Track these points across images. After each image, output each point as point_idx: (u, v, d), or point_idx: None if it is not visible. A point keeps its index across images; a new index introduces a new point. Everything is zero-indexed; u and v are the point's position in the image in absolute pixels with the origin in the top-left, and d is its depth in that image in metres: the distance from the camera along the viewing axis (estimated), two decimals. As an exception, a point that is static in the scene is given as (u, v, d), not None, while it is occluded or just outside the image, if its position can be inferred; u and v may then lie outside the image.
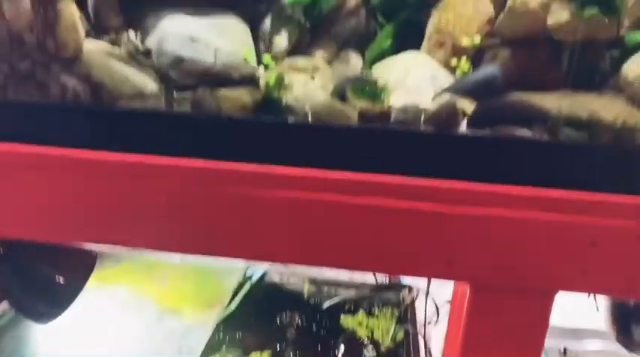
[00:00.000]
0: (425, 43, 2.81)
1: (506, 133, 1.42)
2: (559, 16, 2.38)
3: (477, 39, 2.54)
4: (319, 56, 2.74)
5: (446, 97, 2.33)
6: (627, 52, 2.40)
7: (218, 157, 1.20)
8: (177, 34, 2.52)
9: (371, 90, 2.32)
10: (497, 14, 2.46)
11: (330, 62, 2.77)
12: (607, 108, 2.19)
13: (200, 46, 2.49)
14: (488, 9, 2.75)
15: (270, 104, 2.32)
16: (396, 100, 2.23)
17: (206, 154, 1.22)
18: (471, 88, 2.53)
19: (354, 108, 2.18)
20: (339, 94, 2.33)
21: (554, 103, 2.25)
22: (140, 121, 1.48)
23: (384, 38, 2.91)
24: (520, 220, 1.00)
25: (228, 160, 1.17)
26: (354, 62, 2.79)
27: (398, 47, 3.13)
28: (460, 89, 2.52)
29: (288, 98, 2.40)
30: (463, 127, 1.77)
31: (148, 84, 2.41)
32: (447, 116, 2.11)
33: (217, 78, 2.34)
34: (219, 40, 2.54)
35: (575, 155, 1.12)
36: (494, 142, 1.22)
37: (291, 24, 2.62)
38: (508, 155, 1.18)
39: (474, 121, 2.11)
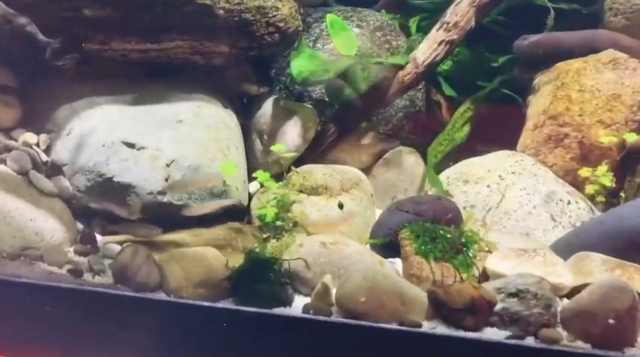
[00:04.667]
0: (525, 138, 1.79)
1: None
2: None
3: (633, 136, 1.59)
4: (356, 158, 1.77)
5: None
6: None
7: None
8: (103, 137, 1.56)
9: (449, 243, 1.40)
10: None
11: (369, 168, 1.80)
12: None
13: (142, 157, 1.52)
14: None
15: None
16: (498, 264, 1.31)
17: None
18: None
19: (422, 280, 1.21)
20: (388, 240, 1.40)
21: None
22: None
23: (457, 126, 1.96)
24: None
25: None
26: (410, 166, 1.81)
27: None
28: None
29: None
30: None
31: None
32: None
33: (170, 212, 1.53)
34: (175, 145, 1.52)
35: None
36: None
37: (306, 111, 1.67)
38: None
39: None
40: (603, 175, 1.70)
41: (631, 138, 1.62)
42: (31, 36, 1.36)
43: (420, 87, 2.14)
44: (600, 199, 1.71)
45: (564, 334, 1.19)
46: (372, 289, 1.21)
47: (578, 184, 1.77)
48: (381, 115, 2.04)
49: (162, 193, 1.45)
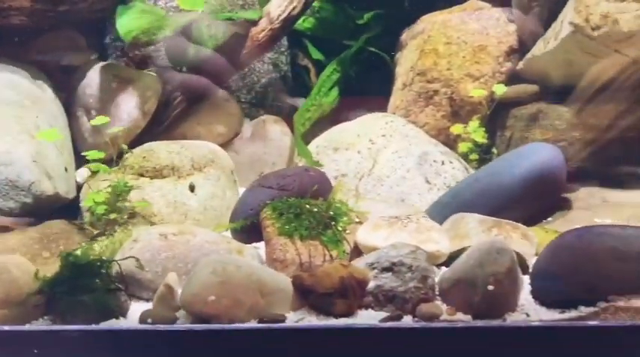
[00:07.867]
0: (395, 98, 1.72)
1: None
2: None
3: (502, 88, 1.53)
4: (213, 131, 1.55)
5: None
6: None
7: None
8: None
9: (316, 218, 1.20)
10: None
11: (230, 142, 1.61)
12: None
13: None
14: (510, 32, 1.59)
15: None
16: (369, 236, 1.16)
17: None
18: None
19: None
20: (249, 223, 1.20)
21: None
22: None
23: (324, 90, 1.76)
24: None
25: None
26: (277, 136, 1.62)
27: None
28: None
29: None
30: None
31: None
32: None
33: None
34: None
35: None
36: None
37: (144, 79, 1.42)
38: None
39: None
40: (475, 131, 1.63)
41: (500, 90, 1.56)
42: None
43: (283, 50, 1.95)
44: (474, 156, 1.64)
45: (444, 307, 1.08)
46: (223, 284, 1.01)
47: (450, 143, 1.68)
48: (241, 82, 1.83)
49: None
